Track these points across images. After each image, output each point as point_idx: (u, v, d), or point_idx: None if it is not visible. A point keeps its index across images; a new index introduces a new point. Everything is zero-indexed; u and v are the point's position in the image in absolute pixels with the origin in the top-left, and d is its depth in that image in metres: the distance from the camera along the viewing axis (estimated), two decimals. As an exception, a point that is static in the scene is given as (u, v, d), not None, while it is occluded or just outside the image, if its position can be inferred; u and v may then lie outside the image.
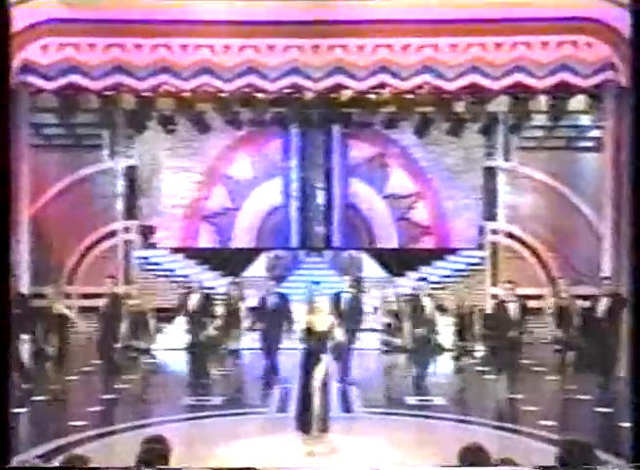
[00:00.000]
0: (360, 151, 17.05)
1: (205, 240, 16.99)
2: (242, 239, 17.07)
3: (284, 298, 11.68)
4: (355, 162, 17.09)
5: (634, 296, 4.80)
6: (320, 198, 17.11)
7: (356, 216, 17.14)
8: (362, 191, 17.08)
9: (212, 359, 12.17)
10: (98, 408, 9.82)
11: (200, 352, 11.66)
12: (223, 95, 12.79)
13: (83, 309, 14.11)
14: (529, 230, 16.30)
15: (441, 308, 14.59)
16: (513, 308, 10.39)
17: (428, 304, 11.85)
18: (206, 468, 6.78)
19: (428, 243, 16.96)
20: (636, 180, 4.82)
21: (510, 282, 10.84)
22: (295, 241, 17.14)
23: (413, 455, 7.75)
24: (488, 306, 15.48)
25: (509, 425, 9.12)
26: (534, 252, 16.26)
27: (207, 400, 10.33)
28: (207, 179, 16.99)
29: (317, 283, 13.44)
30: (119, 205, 16.42)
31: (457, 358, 13.83)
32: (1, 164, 4.47)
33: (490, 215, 16.56)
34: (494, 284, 15.99)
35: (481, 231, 16.55)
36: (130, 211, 16.48)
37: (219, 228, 17.05)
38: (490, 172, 16.53)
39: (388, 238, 17.04)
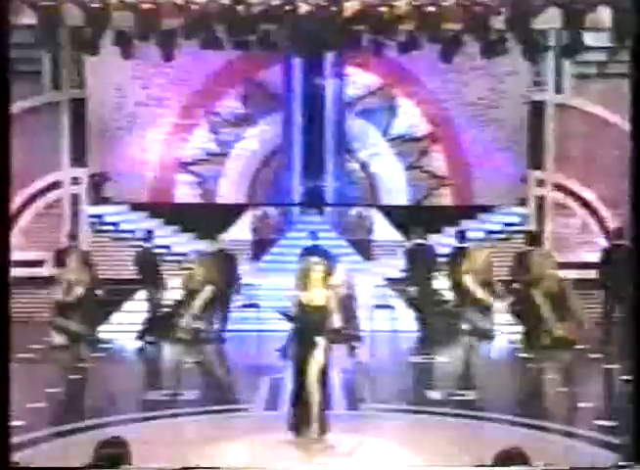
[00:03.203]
0: (360, 81, 16.95)
1: (183, 194, 16.96)
2: (230, 193, 17.04)
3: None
4: (354, 95, 16.99)
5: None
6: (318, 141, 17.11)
7: (356, 165, 17.10)
8: (363, 132, 17.01)
9: (185, 345, 12.28)
10: (41, 405, 9.89)
11: (169, 334, 11.76)
12: (194, 7, 12.67)
13: (20, 281, 14.14)
14: (585, 181, 16.25)
15: (474, 281, 14.65)
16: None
17: (458, 273, 11.90)
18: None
19: (444, 197, 16.94)
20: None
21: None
22: (297, 195, 17.13)
23: (436, 462, 7.83)
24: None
25: (555, 425, 9.21)
26: (591, 208, 16.24)
27: (178, 395, 10.41)
28: (186, 117, 16.91)
29: (315, 235, 13.52)
30: (65, 148, 16.36)
31: (492, 342, 13.90)
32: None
33: (535, 163, 16.50)
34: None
35: (524, 182, 16.52)
36: (79, 157, 16.41)
37: (202, 179, 17.02)
38: (537, 107, 16.42)
39: (396, 191, 17.01)
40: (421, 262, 14.22)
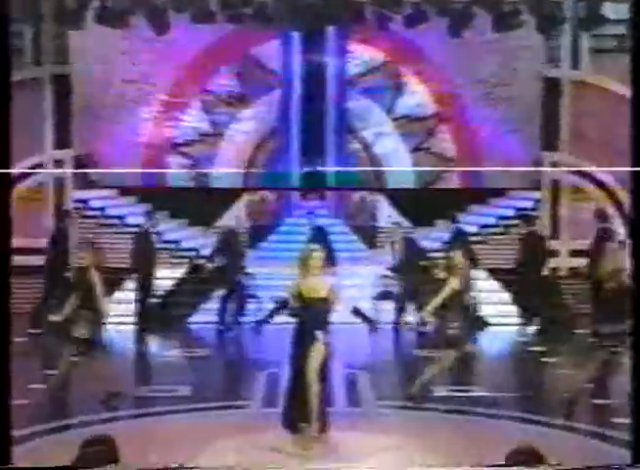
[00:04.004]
0: (364, 57, 16.89)
1: (175, 177, 16.94)
2: (224, 176, 17.01)
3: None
4: (356, 72, 16.94)
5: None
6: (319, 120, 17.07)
7: (359, 146, 17.07)
8: (366, 111, 16.98)
9: (174, 336, 12.29)
10: (22, 401, 9.88)
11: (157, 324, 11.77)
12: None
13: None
14: (603, 163, 16.21)
15: (482, 270, 14.68)
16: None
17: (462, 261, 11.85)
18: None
19: (453, 181, 16.92)
20: None
21: None
22: (295, 179, 17.10)
23: (443, 463, 7.84)
24: (545, 267, 15.51)
25: (572, 423, 9.21)
26: (609, 192, 16.21)
27: (170, 391, 10.43)
28: (178, 95, 16.86)
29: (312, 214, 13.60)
30: (48, 128, 16.32)
31: (503, 335, 13.92)
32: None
33: (550, 144, 16.47)
34: (554, 236, 15.99)
35: (538, 165, 16.49)
36: (63, 138, 16.39)
37: (195, 162, 16.98)
38: (551, 85, 16.37)
39: (400, 174, 16.99)
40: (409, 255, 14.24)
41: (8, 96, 4.60)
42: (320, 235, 13.91)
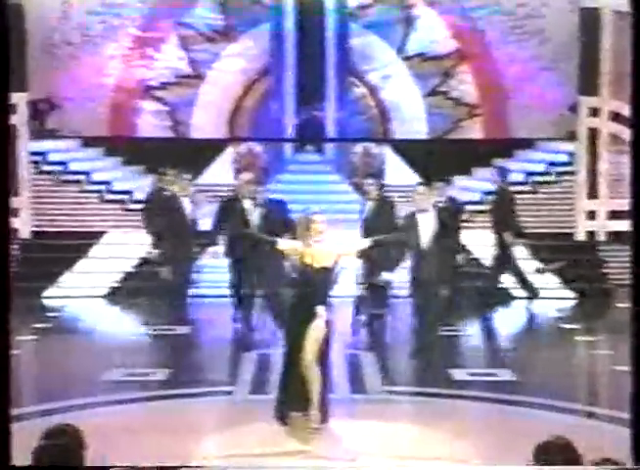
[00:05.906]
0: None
1: (148, 126, 16.92)
2: (206, 125, 17.00)
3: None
4: (361, 2, 16.87)
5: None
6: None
7: (363, 90, 17.04)
8: (372, 49, 16.93)
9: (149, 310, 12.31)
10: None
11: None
12: None
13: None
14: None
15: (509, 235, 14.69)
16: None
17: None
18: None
19: (474, 130, 16.90)
20: None
21: None
22: (289, 129, 17.10)
23: (462, 456, 7.89)
24: (580, 231, 15.57)
25: (610, 412, 9.26)
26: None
27: (145, 375, 10.48)
28: (151, 30, 16.80)
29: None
30: (-1, 69, 16.29)
31: (532, 310, 13.99)
32: None
33: (588, 86, 16.44)
34: (592, 195, 16.02)
35: (573, 111, 16.48)
36: (16, 79, 16.34)
37: (171, 108, 16.94)
38: (589, 16, 16.32)
39: (413, 123, 16.96)
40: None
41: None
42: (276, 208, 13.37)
